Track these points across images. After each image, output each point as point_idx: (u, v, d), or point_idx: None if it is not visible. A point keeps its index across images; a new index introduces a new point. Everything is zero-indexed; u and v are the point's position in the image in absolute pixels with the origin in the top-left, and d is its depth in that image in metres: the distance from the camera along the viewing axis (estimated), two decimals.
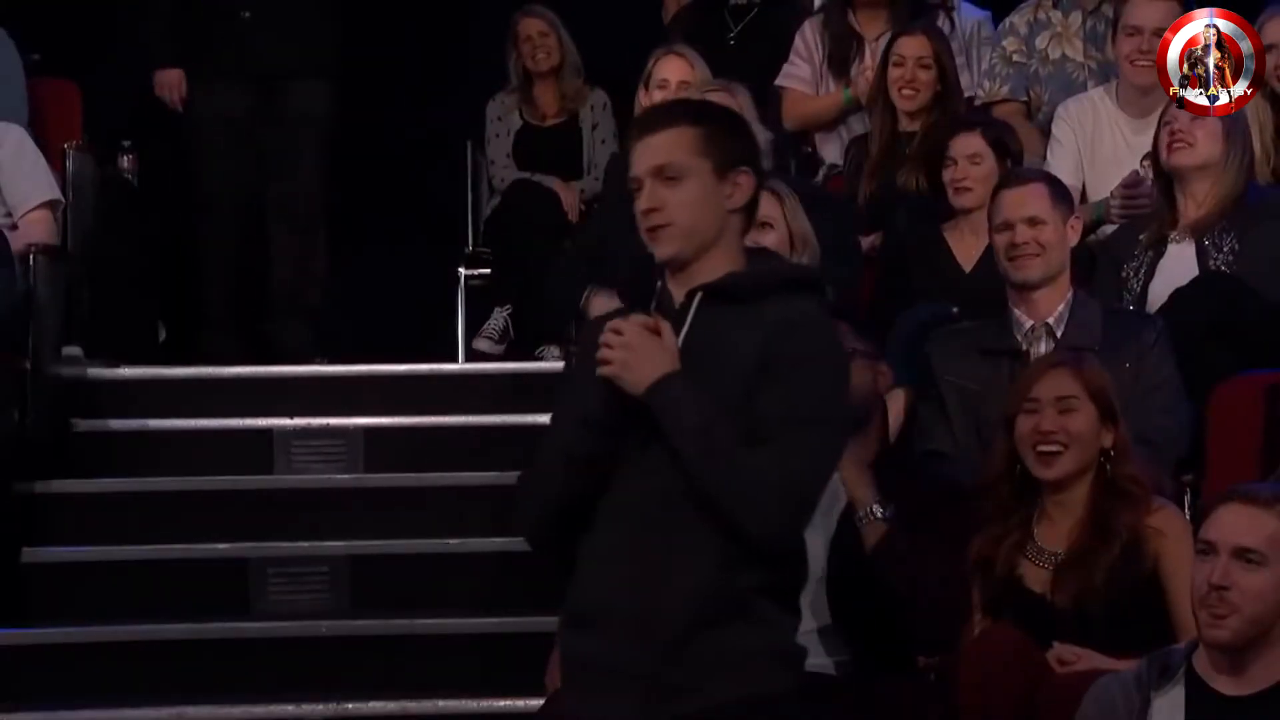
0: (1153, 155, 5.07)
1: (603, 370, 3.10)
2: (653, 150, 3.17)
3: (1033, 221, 4.49)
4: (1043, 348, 4.49)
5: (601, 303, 4.89)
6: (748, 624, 3.11)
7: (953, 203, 5.21)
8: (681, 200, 3.16)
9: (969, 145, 5.18)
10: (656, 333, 3.11)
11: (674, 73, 5.79)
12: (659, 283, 3.23)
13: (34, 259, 5.48)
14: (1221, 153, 4.92)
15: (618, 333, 3.11)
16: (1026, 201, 4.51)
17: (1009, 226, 4.52)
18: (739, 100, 5.25)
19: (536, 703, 3.99)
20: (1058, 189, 4.61)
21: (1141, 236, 5.00)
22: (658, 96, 5.77)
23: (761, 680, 3.12)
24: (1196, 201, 4.96)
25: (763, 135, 5.33)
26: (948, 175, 5.20)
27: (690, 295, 3.18)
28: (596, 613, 3.15)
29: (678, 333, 3.15)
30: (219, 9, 6.26)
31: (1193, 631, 3.58)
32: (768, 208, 4.56)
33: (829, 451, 3.16)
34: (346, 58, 6.39)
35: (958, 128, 5.30)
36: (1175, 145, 4.92)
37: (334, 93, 6.36)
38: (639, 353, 3.09)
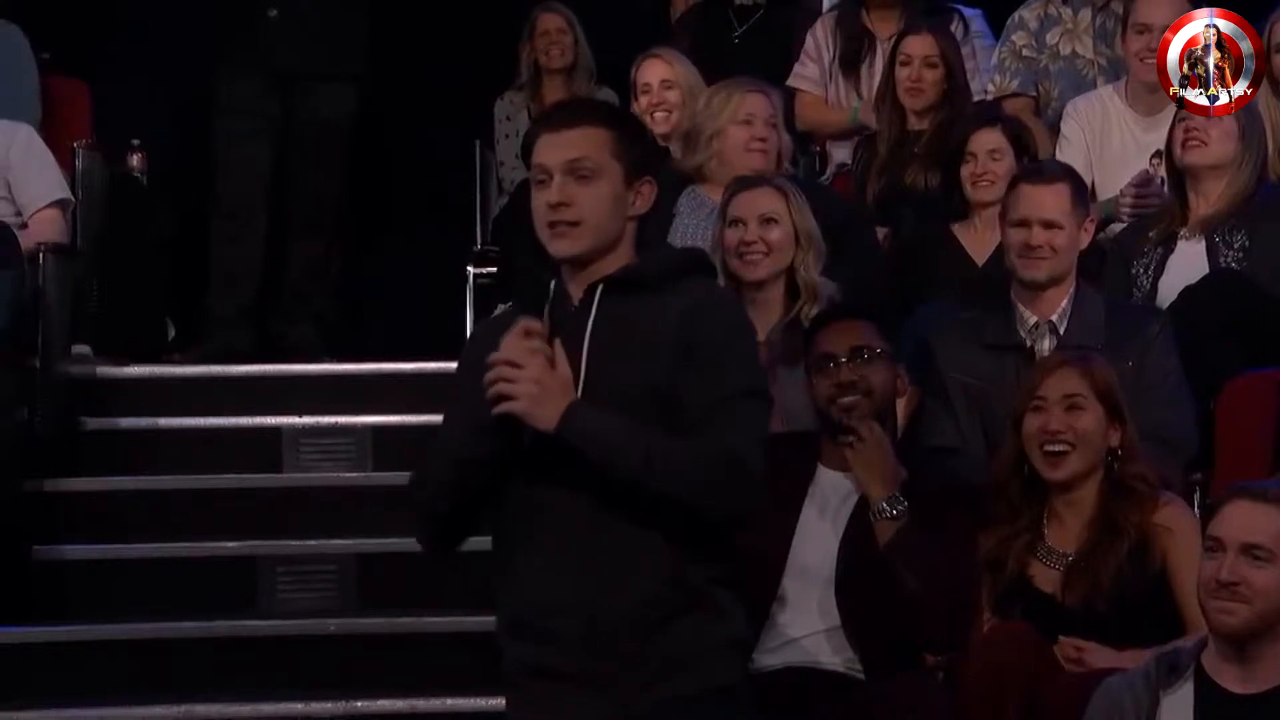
0: (1165, 151, 5.06)
1: (506, 407, 3.06)
2: (567, 144, 3.17)
3: (1049, 225, 4.49)
4: (1046, 345, 4.49)
5: None
6: (703, 616, 3.11)
7: (970, 198, 5.20)
8: (593, 198, 3.16)
9: (990, 140, 5.18)
10: (551, 361, 3.08)
11: (653, 75, 5.82)
12: (552, 282, 3.22)
13: (43, 258, 5.48)
14: (1236, 152, 4.91)
15: (515, 364, 3.07)
16: (1048, 203, 4.50)
17: (1025, 224, 4.51)
18: (774, 102, 5.26)
19: None
20: (1079, 191, 4.60)
21: (1151, 233, 4.99)
22: (643, 101, 5.80)
23: (721, 672, 3.13)
24: (1208, 199, 4.95)
25: (785, 140, 5.35)
26: (967, 171, 5.20)
27: (590, 290, 3.18)
28: (544, 618, 3.13)
29: (584, 327, 3.15)
30: (245, 7, 6.24)
31: (1202, 627, 3.58)
32: (773, 203, 4.56)
33: (763, 419, 3.16)
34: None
35: (978, 123, 5.30)
36: (1190, 143, 4.91)
37: (358, 95, 6.35)
38: (541, 389, 3.06)
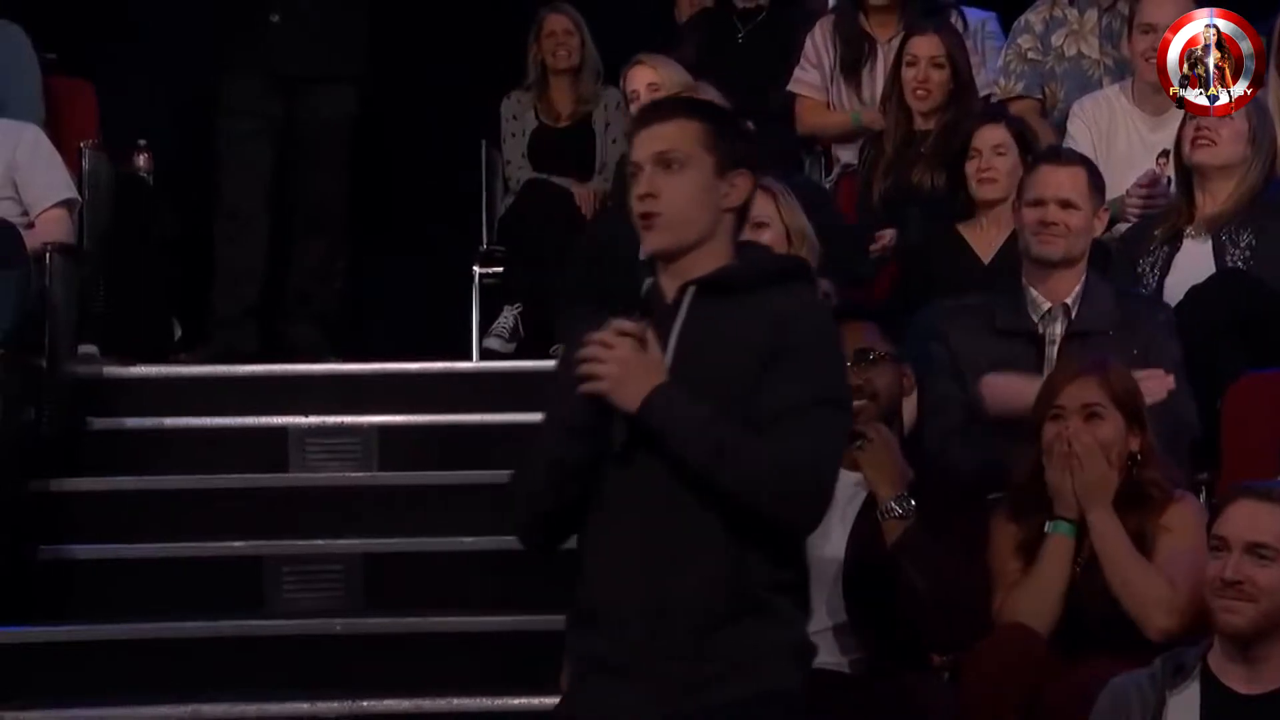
0: (1174, 150, 5.06)
1: (591, 387, 3.08)
2: (657, 138, 3.17)
3: (1066, 204, 4.49)
4: (1058, 329, 4.49)
5: None
6: (763, 620, 3.12)
7: (975, 194, 5.20)
8: (678, 189, 3.15)
9: (993, 137, 5.18)
10: (642, 342, 3.09)
11: (640, 80, 5.87)
12: (649, 280, 3.22)
13: (49, 258, 5.49)
14: (1245, 153, 4.91)
15: (606, 345, 3.09)
16: (1065, 183, 4.51)
17: (1042, 203, 4.51)
18: (709, 97, 5.25)
19: (552, 701, 3.97)
20: (1095, 178, 4.60)
21: (1157, 231, 4.99)
22: (634, 109, 5.80)
23: (776, 677, 3.13)
24: (1215, 198, 4.95)
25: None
26: (971, 167, 5.20)
27: (683, 290, 3.17)
28: (607, 611, 3.14)
29: (671, 327, 3.15)
30: (248, 10, 6.25)
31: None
32: (762, 205, 4.55)
33: (841, 432, 3.18)
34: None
35: (982, 120, 5.30)
36: (1200, 142, 4.91)
37: (359, 97, 6.36)
38: (627, 369, 3.07)
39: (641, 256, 3.26)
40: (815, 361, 3.12)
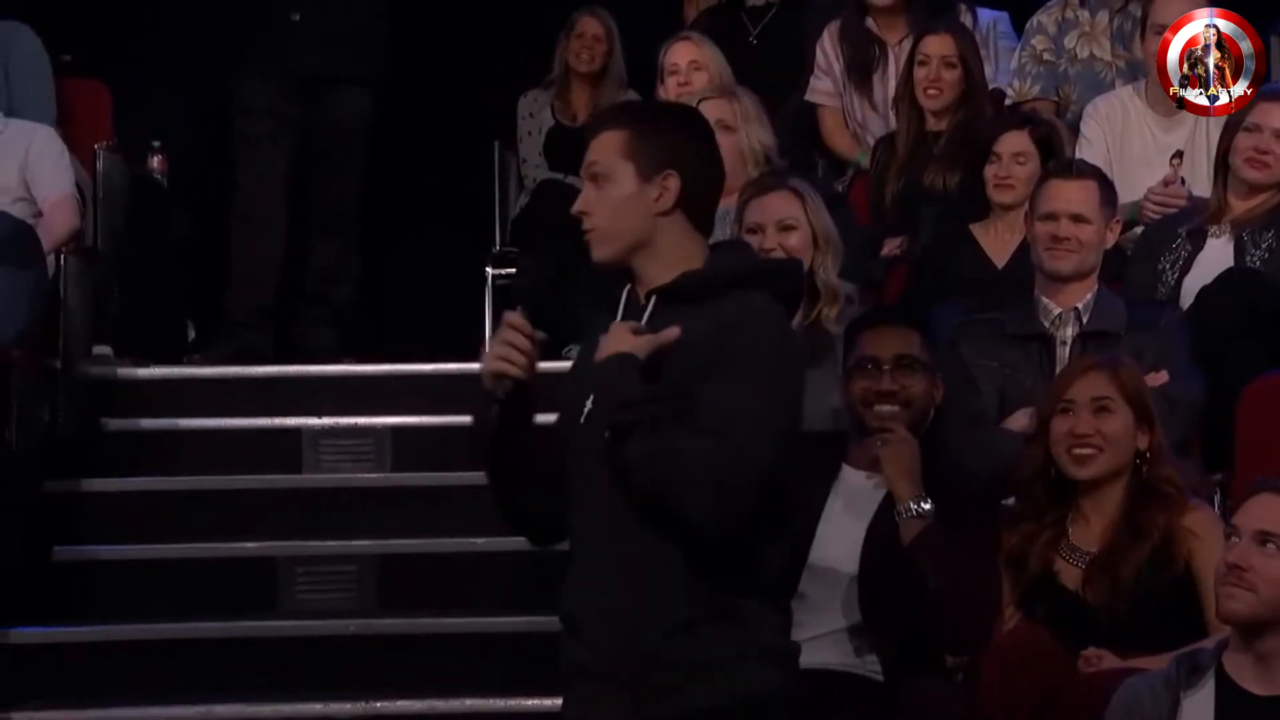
0: (1216, 153, 5.01)
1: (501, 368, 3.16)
2: (589, 151, 3.20)
3: (1077, 219, 4.50)
4: (1070, 332, 4.50)
5: None
6: (730, 625, 3.11)
7: (991, 198, 5.20)
8: (604, 202, 3.17)
9: (1016, 144, 5.17)
10: (530, 340, 3.17)
11: (682, 56, 5.82)
12: (627, 286, 3.24)
13: (64, 259, 5.50)
14: None
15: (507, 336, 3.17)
16: (1076, 198, 4.52)
17: (1054, 218, 4.52)
18: (744, 105, 5.24)
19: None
20: (1107, 190, 4.61)
21: (1182, 229, 4.98)
22: (671, 84, 5.80)
23: (749, 681, 3.11)
24: (1247, 203, 4.94)
25: (769, 138, 5.33)
26: (990, 171, 5.19)
27: (648, 298, 3.19)
28: (582, 618, 3.17)
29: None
30: (266, 10, 6.25)
31: (1224, 631, 3.58)
32: (790, 208, 4.54)
33: (763, 445, 3.06)
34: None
35: (1006, 125, 5.29)
36: (1255, 163, 4.89)
37: (376, 97, 6.36)
38: (614, 339, 3.12)
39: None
40: (750, 370, 3.07)
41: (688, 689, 3.09)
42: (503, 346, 3.19)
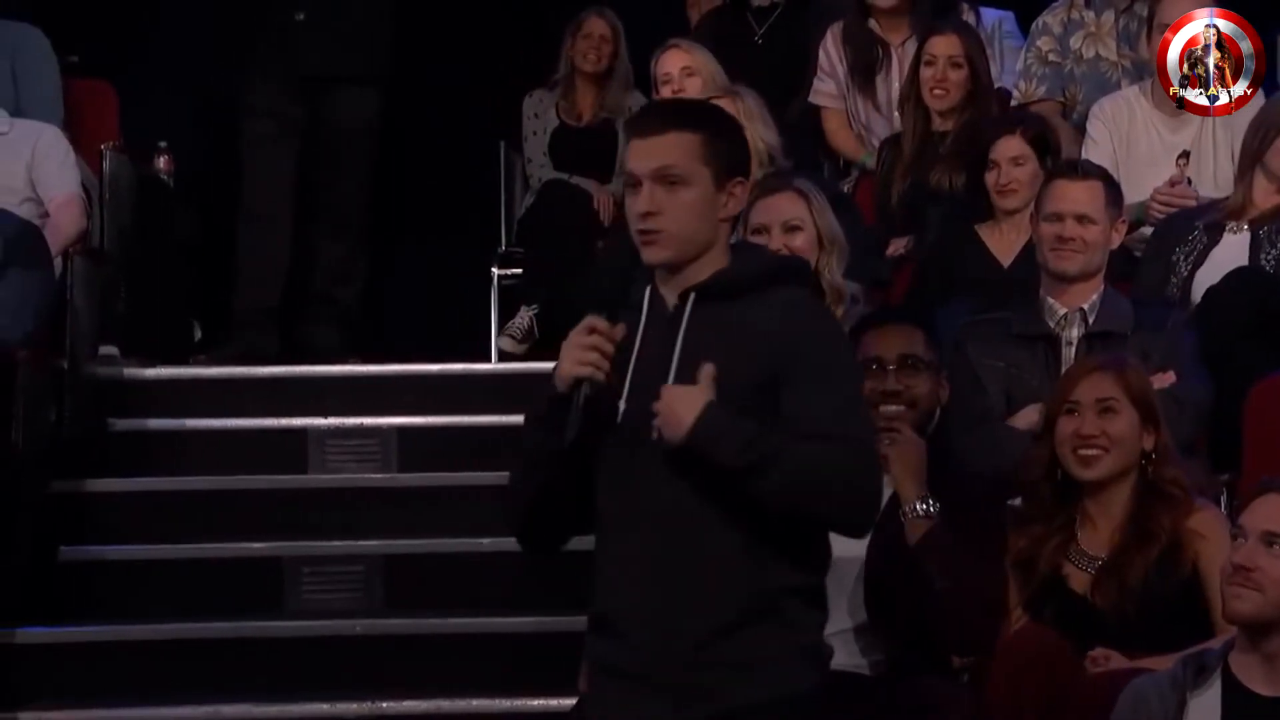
0: (1252, 156, 4.98)
1: (576, 371, 3.09)
2: (655, 151, 3.14)
3: (1083, 219, 4.50)
4: (1075, 332, 4.51)
5: None
6: (775, 624, 3.11)
7: (997, 205, 5.21)
8: (681, 207, 3.13)
9: (1011, 148, 5.17)
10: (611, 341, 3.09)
11: (674, 64, 5.84)
12: (648, 287, 3.21)
13: (70, 260, 5.51)
14: None
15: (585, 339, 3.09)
16: (1081, 199, 4.52)
17: (1059, 218, 4.52)
18: (747, 105, 5.25)
19: (569, 702, 3.99)
20: (1113, 191, 4.61)
21: (1199, 222, 4.97)
22: (665, 93, 5.80)
23: (789, 680, 3.13)
24: (1268, 199, 4.94)
25: (773, 137, 5.34)
26: (991, 179, 5.20)
27: (684, 297, 3.17)
28: (621, 618, 3.15)
29: (675, 334, 3.15)
30: (272, 9, 6.25)
31: (1231, 631, 3.58)
32: (795, 209, 4.54)
33: (869, 432, 3.19)
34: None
35: (998, 131, 5.29)
36: None
37: (382, 98, 6.36)
38: (670, 401, 3.07)
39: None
40: (836, 366, 3.13)
41: (730, 688, 3.09)
42: (586, 351, 3.11)
